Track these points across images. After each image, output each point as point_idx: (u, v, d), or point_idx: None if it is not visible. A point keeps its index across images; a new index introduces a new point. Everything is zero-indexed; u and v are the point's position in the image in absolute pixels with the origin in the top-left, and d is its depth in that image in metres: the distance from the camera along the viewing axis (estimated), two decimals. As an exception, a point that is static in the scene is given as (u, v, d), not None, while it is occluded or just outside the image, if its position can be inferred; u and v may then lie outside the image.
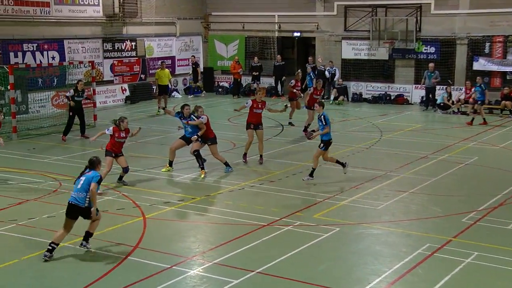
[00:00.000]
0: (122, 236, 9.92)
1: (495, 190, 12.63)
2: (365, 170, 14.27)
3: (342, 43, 26.62)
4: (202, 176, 13.58)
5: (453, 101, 23.41)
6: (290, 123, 19.95)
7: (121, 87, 25.79)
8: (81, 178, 9.12)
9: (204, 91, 28.36)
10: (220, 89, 29.12)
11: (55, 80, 21.91)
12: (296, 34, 27.85)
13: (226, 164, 14.05)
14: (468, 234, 10.05)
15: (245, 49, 28.92)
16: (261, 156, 14.91)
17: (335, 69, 26.39)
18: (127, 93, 25.88)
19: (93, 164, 9.28)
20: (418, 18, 24.99)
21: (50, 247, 8.92)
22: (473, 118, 20.68)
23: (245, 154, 14.87)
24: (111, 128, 12.68)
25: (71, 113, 17.96)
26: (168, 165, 14.09)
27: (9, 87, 18.23)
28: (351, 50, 26.49)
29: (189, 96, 27.58)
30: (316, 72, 26.20)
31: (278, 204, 11.72)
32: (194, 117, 13.64)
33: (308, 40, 28.57)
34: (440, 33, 24.78)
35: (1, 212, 11.14)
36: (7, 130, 18.15)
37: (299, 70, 23.75)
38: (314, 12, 27.15)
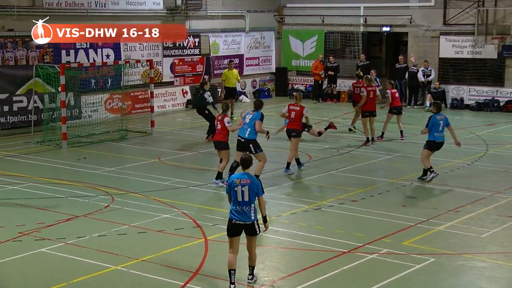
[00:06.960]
0: (180, 260, 10.07)
1: None
2: (467, 190, 14.04)
3: (440, 40, 26.20)
4: None
5: None
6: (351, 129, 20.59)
7: (182, 89, 26.25)
8: (241, 188, 8.78)
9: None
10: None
11: (109, 81, 22.54)
12: (385, 29, 27.63)
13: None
14: None
15: (325, 47, 28.90)
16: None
17: (430, 70, 25.97)
18: (189, 96, 26.32)
19: (247, 163, 9.02)
20: (536, 8, 24.31)
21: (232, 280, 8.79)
22: None
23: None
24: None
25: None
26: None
27: (59, 89, 18.87)
28: (451, 48, 26.07)
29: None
30: (406, 74, 25.94)
31: (361, 227, 11.61)
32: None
33: (399, 36, 28.31)
34: None
35: (48, 229, 11.54)
36: (57, 137, 18.92)
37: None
38: (407, 3, 26.86)
